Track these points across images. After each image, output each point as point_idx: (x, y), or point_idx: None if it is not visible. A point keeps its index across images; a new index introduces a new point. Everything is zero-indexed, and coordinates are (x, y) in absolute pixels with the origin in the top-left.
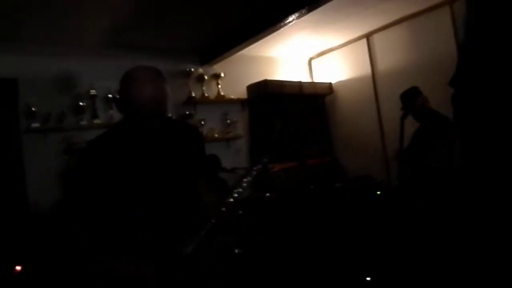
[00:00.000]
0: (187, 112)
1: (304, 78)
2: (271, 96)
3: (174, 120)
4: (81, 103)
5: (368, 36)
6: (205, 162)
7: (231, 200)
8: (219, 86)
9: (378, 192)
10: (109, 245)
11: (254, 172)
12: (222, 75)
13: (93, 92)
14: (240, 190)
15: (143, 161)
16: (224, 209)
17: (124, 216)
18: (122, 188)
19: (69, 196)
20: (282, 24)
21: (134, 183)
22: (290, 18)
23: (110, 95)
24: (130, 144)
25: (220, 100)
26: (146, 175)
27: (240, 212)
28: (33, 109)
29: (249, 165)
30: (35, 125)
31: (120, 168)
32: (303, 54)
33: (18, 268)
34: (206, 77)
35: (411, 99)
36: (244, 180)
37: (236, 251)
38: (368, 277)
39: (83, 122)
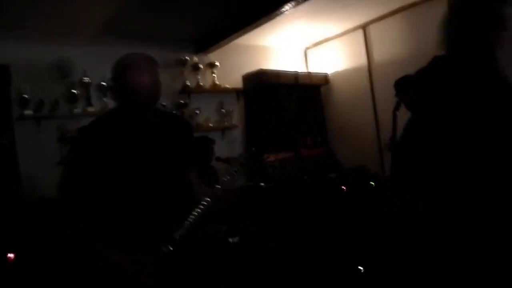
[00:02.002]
0: (182, 101)
1: (300, 68)
2: (267, 86)
3: (166, 111)
4: (74, 91)
5: (364, 27)
6: (195, 151)
7: (220, 187)
8: (214, 75)
9: (372, 183)
10: (105, 233)
11: (244, 161)
12: (218, 64)
13: (87, 80)
14: (229, 178)
15: (135, 150)
16: (213, 196)
17: (117, 202)
18: (111, 176)
19: (64, 183)
20: (278, 13)
21: (125, 171)
22: (286, 7)
23: (104, 83)
24: (123, 133)
25: (215, 90)
26: (138, 164)
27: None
28: (25, 96)
29: (238, 155)
30: (28, 112)
31: (111, 156)
32: (299, 44)
33: (10, 256)
34: (201, 66)
35: (405, 87)
36: (233, 169)
37: (231, 240)
38: (360, 266)
39: (77, 110)
